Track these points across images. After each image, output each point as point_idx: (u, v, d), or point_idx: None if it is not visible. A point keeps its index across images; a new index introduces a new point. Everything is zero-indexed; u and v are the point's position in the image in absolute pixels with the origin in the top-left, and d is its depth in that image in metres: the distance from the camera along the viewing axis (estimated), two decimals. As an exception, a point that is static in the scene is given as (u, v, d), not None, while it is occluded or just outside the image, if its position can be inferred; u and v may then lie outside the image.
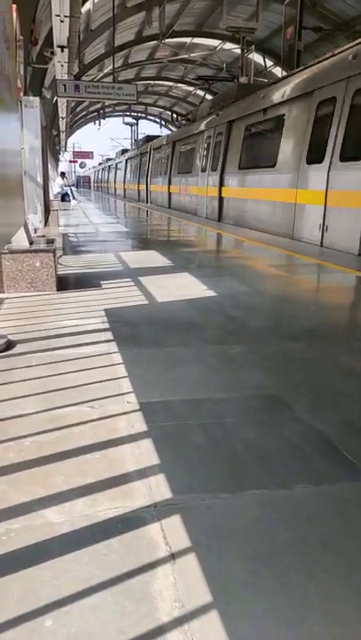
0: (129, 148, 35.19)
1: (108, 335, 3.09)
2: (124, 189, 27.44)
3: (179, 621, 1.09)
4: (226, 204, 11.13)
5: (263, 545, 1.32)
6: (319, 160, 6.94)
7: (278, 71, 18.17)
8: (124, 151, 32.06)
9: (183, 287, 4.46)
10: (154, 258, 6.18)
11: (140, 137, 33.44)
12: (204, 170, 12.62)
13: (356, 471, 1.66)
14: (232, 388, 2.31)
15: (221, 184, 11.23)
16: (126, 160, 27.20)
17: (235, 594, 1.16)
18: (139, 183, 22.66)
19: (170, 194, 16.64)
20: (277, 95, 8.62)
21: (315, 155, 7.11)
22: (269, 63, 19.54)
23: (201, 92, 26.92)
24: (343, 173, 6.41)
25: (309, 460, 1.71)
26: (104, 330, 3.20)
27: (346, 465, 1.69)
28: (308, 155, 7.33)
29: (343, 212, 6.42)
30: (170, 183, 16.48)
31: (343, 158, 6.42)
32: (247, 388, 2.31)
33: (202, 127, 13.12)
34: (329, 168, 6.67)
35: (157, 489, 1.54)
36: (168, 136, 18.46)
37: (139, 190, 22.63)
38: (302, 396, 2.23)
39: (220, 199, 11.31)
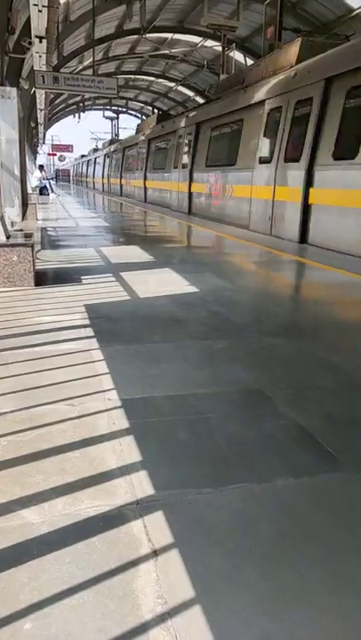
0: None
1: (89, 331, 3.04)
2: (120, 185, 21.36)
3: (161, 618, 1.08)
4: None
5: (245, 538, 1.32)
6: None
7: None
8: (113, 142, 27.83)
9: (165, 283, 4.43)
10: (136, 253, 6.14)
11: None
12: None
13: (335, 463, 1.67)
14: (215, 384, 2.31)
15: None
16: (124, 148, 21.09)
17: (218, 588, 1.16)
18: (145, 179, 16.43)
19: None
20: None
21: None
22: (250, 62, 19.61)
23: (182, 89, 26.82)
24: None
25: (290, 454, 1.72)
26: (84, 326, 3.15)
27: (326, 457, 1.71)
28: None
29: None
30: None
31: None
32: (230, 384, 2.31)
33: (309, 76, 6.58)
34: None
35: (140, 486, 1.53)
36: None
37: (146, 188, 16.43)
38: (283, 390, 2.24)
39: None
